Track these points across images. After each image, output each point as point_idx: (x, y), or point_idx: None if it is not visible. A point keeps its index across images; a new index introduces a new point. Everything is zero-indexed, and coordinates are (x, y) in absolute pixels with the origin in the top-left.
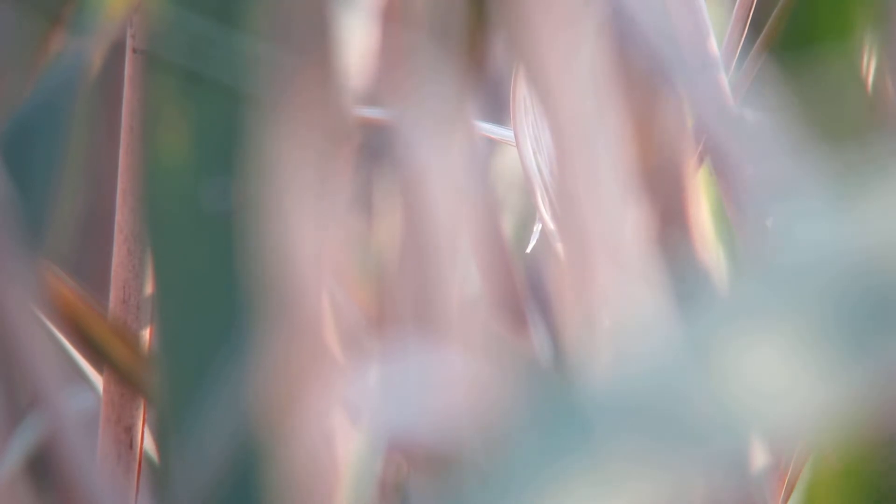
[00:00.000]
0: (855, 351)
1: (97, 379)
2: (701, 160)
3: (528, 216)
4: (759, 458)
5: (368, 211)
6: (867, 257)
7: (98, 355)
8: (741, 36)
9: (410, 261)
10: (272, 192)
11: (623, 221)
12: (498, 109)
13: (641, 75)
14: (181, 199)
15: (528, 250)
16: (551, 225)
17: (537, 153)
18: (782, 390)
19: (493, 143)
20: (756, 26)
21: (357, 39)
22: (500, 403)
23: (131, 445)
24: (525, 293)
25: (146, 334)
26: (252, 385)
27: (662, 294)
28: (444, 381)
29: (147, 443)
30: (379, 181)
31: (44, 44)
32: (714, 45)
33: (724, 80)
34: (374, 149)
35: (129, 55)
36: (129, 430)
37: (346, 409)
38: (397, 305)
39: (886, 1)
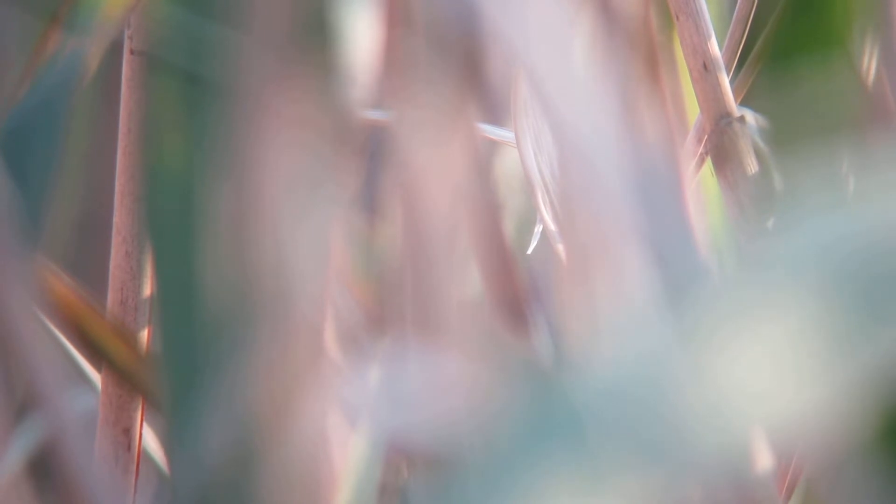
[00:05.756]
0: (854, 347)
1: (97, 379)
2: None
3: (528, 217)
4: (761, 457)
5: (369, 212)
6: (866, 256)
7: (97, 356)
8: (742, 37)
9: (411, 262)
10: (272, 193)
11: (622, 222)
12: (498, 110)
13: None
14: (180, 200)
15: (529, 251)
16: (552, 226)
17: (537, 154)
18: (782, 387)
19: (493, 145)
20: (756, 27)
21: (359, 41)
22: (499, 404)
23: (129, 447)
24: (525, 294)
25: (144, 335)
26: (251, 386)
27: (661, 293)
28: (443, 382)
29: (145, 444)
30: (380, 182)
31: (41, 44)
32: (716, 49)
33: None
34: (376, 150)
35: (126, 56)
36: (128, 432)
37: (345, 410)
38: (397, 306)
39: (883, 4)
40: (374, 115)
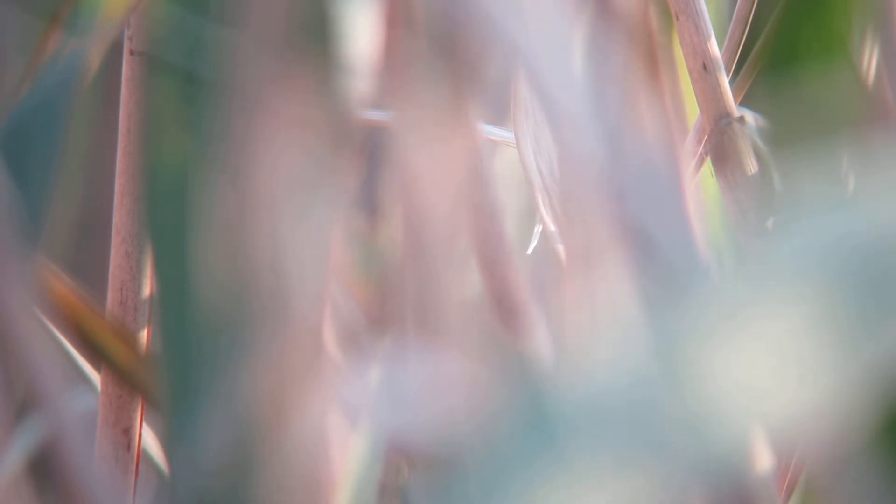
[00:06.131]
0: (854, 346)
1: (97, 379)
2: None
3: (528, 217)
4: (761, 457)
5: (369, 212)
6: (865, 255)
7: (97, 356)
8: (741, 37)
9: (411, 262)
10: (272, 193)
11: (622, 222)
12: (498, 110)
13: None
14: (180, 200)
15: (529, 251)
16: (552, 226)
17: (537, 154)
18: (782, 387)
19: (493, 145)
20: (756, 27)
21: (359, 41)
22: (498, 404)
23: (129, 447)
24: (525, 294)
25: (144, 335)
26: (251, 386)
27: (661, 293)
28: (443, 382)
29: (145, 444)
30: (380, 182)
31: (41, 44)
32: (716, 49)
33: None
34: (376, 150)
35: (126, 56)
36: (128, 432)
37: (345, 410)
38: (397, 306)
39: (884, 5)
40: (374, 115)
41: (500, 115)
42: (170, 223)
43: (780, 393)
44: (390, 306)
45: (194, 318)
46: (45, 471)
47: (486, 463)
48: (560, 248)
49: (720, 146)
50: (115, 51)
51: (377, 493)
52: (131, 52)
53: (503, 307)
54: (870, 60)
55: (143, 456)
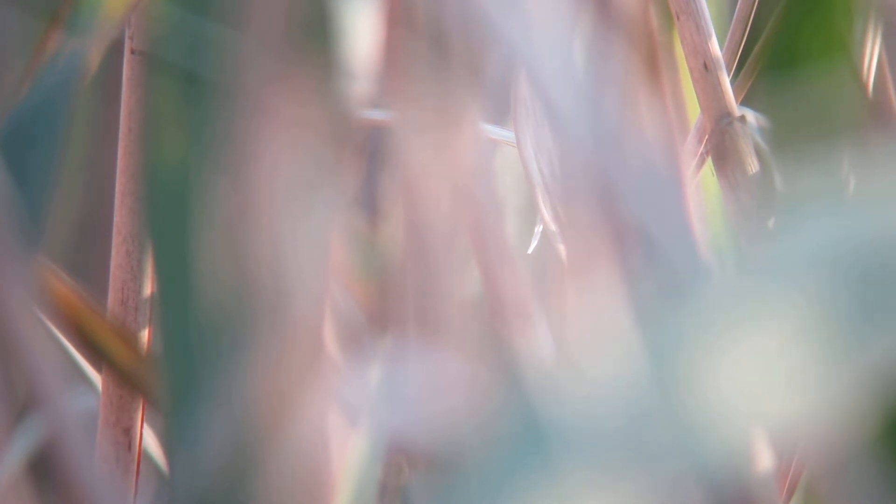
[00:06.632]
0: (854, 347)
1: (97, 379)
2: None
3: (528, 217)
4: (761, 457)
5: (369, 212)
6: (866, 256)
7: (98, 356)
8: (742, 36)
9: (411, 262)
10: (272, 193)
11: (623, 222)
12: (498, 110)
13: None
14: (181, 199)
15: (529, 251)
16: (552, 226)
17: (537, 154)
18: (783, 388)
19: (493, 145)
20: (757, 26)
21: (359, 41)
22: (498, 405)
23: (130, 447)
24: (525, 294)
25: (145, 335)
26: (251, 386)
27: (662, 293)
28: (443, 382)
29: (145, 444)
30: (380, 182)
31: (41, 44)
32: (717, 49)
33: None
34: (376, 150)
35: (126, 56)
36: (128, 432)
37: (345, 410)
38: (397, 306)
39: (884, 6)
40: (374, 115)
41: (500, 115)
42: (170, 223)
43: (780, 394)
44: (390, 306)
45: (195, 317)
46: (45, 471)
47: (485, 463)
48: (560, 248)
49: (721, 146)
50: (115, 51)
51: (377, 493)
52: (132, 52)
53: (503, 307)
54: (870, 60)
55: (144, 456)
